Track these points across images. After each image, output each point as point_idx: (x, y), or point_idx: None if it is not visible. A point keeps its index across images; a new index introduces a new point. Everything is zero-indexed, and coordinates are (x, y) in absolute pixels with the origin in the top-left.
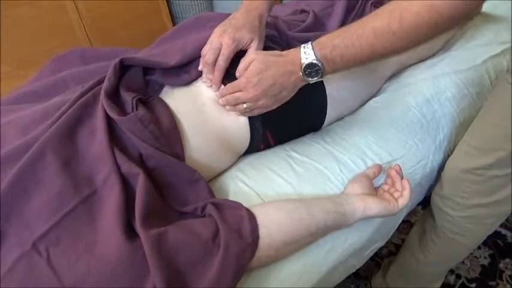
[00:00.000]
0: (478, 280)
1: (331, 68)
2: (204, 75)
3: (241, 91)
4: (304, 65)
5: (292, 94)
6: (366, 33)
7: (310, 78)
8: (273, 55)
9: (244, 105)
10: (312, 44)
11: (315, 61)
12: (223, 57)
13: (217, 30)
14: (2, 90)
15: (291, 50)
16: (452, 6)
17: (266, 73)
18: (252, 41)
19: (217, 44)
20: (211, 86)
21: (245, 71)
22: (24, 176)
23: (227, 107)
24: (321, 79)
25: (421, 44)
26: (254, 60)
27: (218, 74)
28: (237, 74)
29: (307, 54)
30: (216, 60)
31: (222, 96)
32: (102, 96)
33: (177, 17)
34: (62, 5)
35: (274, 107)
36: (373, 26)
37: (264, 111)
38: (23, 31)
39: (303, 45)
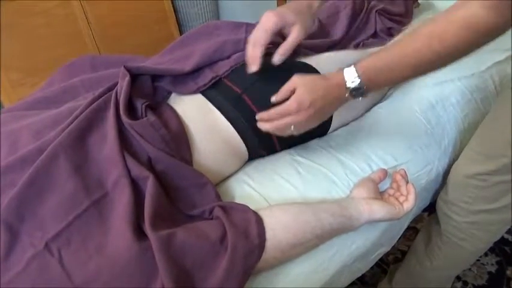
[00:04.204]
0: (485, 287)
1: (375, 88)
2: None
3: (290, 115)
4: (350, 89)
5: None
6: (408, 57)
7: (355, 99)
8: (317, 78)
9: (292, 128)
10: (355, 68)
11: (360, 85)
12: (264, 31)
13: (266, 13)
14: (13, 97)
15: (333, 73)
16: (488, 23)
17: (316, 95)
18: (294, 24)
19: (264, 24)
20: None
21: (289, 92)
22: (38, 178)
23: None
24: (365, 97)
25: (461, 58)
26: (301, 84)
27: (258, 50)
28: (278, 95)
29: (352, 77)
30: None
31: (263, 120)
32: (121, 100)
33: (184, 25)
34: (71, 13)
35: (313, 127)
36: (414, 49)
37: (304, 130)
38: (33, 39)
39: (346, 69)
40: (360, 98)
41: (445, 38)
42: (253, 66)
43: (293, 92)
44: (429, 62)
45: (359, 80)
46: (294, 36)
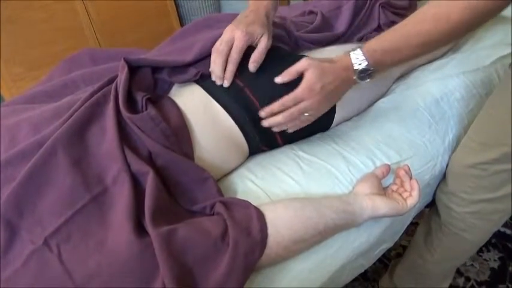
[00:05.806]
0: (487, 283)
1: (382, 70)
2: (214, 71)
3: (303, 101)
4: (358, 71)
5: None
6: (415, 37)
7: (363, 81)
8: (324, 61)
9: (306, 114)
10: (362, 50)
11: (367, 67)
12: (236, 49)
13: (229, 27)
14: (14, 92)
15: (340, 56)
16: (488, 4)
17: (326, 79)
18: (262, 36)
19: (230, 37)
20: (222, 82)
21: (297, 74)
22: (36, 173)
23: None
24: (372, 79)
25: (463, 36)
26: (310, 67)
27: (232, 66)
28: (284, 76)
29: (359, 60)
30: (228, 54)
31: (272, 113)
32: (120, 94)
33: (185, 19)
34: (73, 8)
35: (325, 111)
36: (420, 29)
37: (318, 116)
38: (34, 33)
39: (352, 52)
40: (368, 80)
41: (452, 18)
42: (227, 82)
43: (300, 73)
44: (436, 40)
45: (366, 62)
46: (263, 45)
